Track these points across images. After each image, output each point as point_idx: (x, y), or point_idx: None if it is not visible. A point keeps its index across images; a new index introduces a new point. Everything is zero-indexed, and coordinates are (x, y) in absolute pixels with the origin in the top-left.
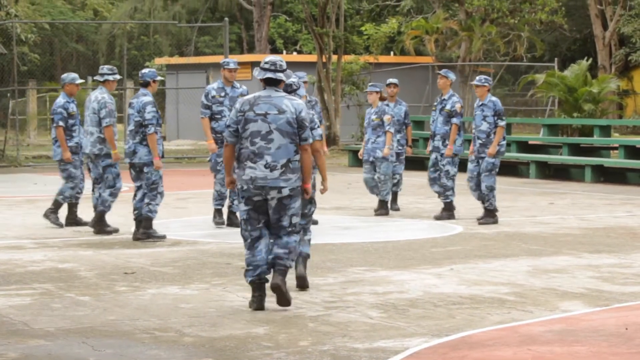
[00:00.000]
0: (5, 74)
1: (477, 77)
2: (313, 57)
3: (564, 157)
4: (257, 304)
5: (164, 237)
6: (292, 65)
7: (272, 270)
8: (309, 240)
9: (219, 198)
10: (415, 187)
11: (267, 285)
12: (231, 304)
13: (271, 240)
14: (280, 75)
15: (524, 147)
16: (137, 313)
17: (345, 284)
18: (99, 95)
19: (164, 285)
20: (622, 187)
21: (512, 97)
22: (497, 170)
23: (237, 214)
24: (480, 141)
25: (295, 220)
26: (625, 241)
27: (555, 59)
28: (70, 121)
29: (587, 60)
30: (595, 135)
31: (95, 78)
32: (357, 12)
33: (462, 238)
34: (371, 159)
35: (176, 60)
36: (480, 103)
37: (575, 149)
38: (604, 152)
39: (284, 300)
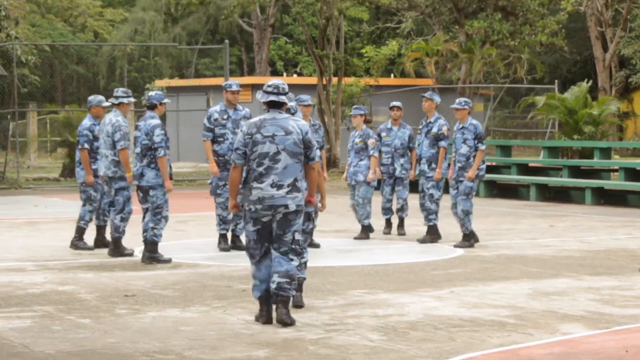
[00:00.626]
0: (5, 95)
1: (457, 100)
2: (313, 80)
3: (564, 180)
4: (266, 317)
5: (169, 260)
6: (293, 88)
7: (274, 295)
8: (305, 262)
9: (222, 223)
10: (414, 209)
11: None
12: (232, 326)
13: (273, 257)
14: (283, 98)
15: (524, 169)
16: (138, 336)
17: (346, 306)
18: (113, 118)
19: (164, 307)
20: (622, 210)
21: (513, 119)
22: (474, 194)
23: (242, 237)
24: (459, 164)
25: (298, 237)
26: (625, 263)
27: (556, 81)
28: (95, 144)
29: (587, 82)
30: (596, 157)
31: (109, 100)
32: (358, 34)
33: (463, 261)
34: (353, 182)
35: (176, 82)
36: (461, 126)
37: (576, 171)
38: (604, 175)
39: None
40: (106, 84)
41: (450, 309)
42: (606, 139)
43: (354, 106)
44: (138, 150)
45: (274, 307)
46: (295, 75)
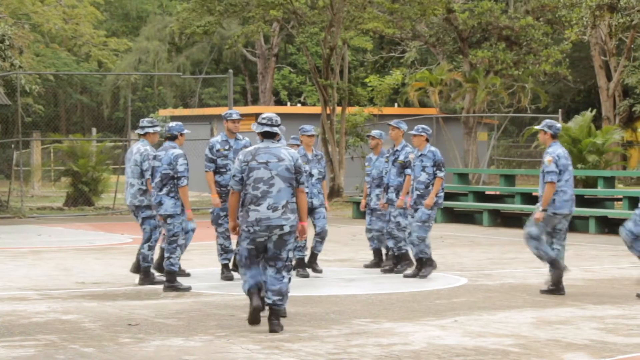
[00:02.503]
0: (9, 125)
1: (415, 127)
2: (317, 109)
3: None
4: (255, 303)
5: (189, 288)
6: (297, 117)
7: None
8: (290, 278)
9: (224, 252)
10: None
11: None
12: (235, 355)
13: (268, 274)
14: (276, 129)
15: (528, 198)
16: None
17: (350, 335)
18: (141, 148)
19: (168, 337)
20: None
21: (516, 148)
22: (431, 222)
23: None
24: (418, 192)
25: (291, 255)
26: (629, 292)
27: (559, 110)
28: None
29: (591, 111)
30: (599, 186)
31: (136, 131)
32: (361, 63)
33: (466, 290)
34: None
35: (180, 111)
36: (420, 153)
37: (580, 200)
38: (608, 204)
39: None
40: (110, 114)
41: (454, 338)
42: (610, 168)
43: (292, 136)
44: (158, 179)
45: (265, 314)
46: (299, 105)
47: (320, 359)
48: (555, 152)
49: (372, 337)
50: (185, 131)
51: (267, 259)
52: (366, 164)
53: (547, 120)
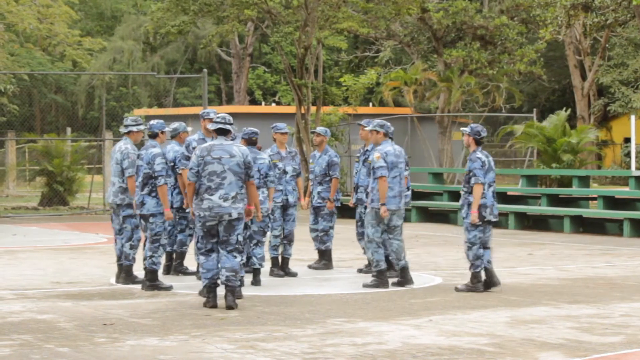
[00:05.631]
0: None
1: (374, 122)
2: (292, 108)
3: (542, 208)
4: (212, 303)
5: (170, 287)
6: (271, 117)
7: (224, 285)
8: (262, 256)
9: None
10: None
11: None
12: (210, 355)
13: (221, 255)
14: (228, 127)
15: (502, 197)
16: None
17: (324, 335)
18: (122, 146)
19: (142, 336)
20: (601, 238)
21: (491, 147)
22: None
23: None
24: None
25: (240, 238)
26: (604, 291)
27: (534, 109)
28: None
29: (565, 110)
30: (574, 185)
31: (120, 129)
32: (336, 63)
33: (441, 289)
34: None
35: (155, 111)
36: (365, 149)
37: (554, 200)
38: (582, 203)
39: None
40: (85, 113)
41: (429, 337)
42: (585, 168)
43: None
44: (140, 179)
45: (223, 294)
46: (273, 104)
47: (295, 359)
48: (384, 149)
49: (347, 336)
50: (167, 129)
51: (219, 243)
52: (310, 161)
53: (378, 120)
